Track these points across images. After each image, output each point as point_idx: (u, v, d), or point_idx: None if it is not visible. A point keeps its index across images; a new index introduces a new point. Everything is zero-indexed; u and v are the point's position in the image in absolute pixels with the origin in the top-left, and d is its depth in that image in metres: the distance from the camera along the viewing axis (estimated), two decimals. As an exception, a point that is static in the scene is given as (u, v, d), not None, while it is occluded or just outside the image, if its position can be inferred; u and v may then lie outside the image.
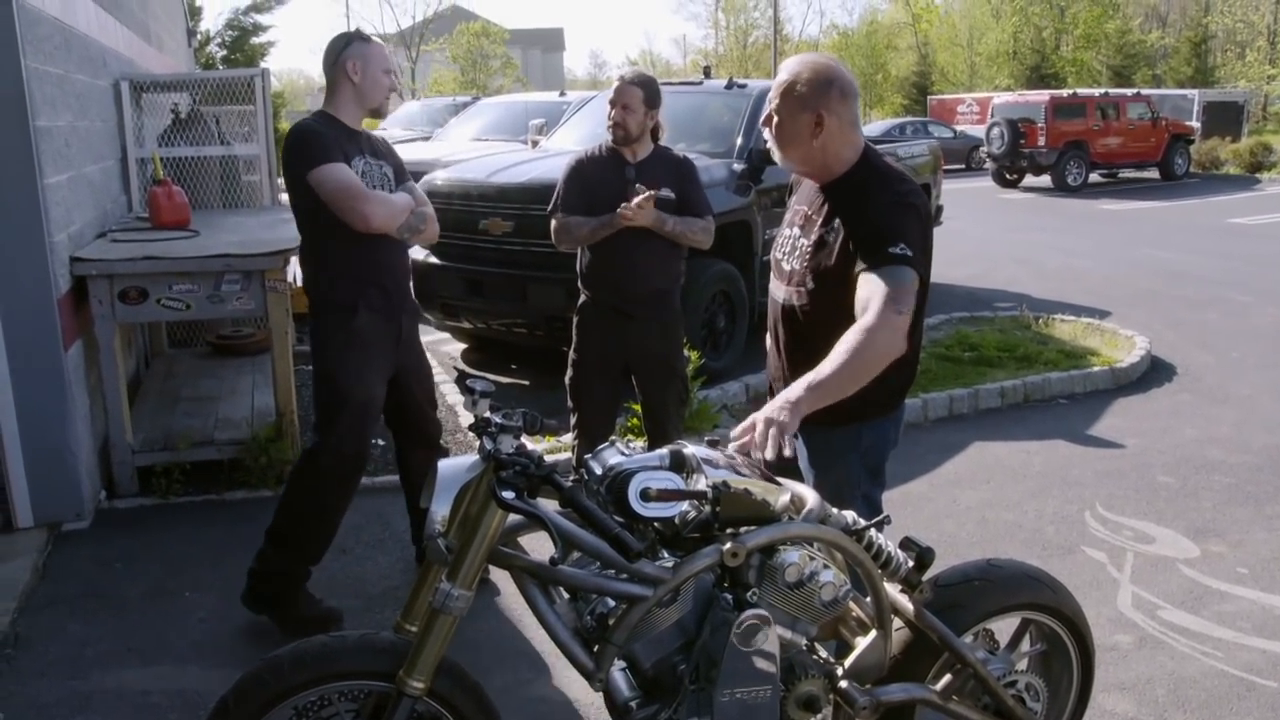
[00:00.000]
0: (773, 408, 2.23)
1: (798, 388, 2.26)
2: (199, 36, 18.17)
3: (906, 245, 2.38)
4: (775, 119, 2.56)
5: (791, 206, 2.76)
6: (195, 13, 17.18)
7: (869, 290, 2.36)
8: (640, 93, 3.90)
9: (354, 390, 3.44)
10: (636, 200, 3.77)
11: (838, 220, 2.50)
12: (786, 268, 2.65)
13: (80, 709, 3.08)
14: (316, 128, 3.39)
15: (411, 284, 3.72)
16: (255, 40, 21.92)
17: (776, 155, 2.63)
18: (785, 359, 2.69)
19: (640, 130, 3.95)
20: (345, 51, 3.41)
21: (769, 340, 2.80)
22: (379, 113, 3.55)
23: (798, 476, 2.57)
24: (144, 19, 7.76)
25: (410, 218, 3.45)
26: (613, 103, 3.93)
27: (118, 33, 6.26)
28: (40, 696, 3.14)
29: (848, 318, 2.38)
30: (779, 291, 2.68)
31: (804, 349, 2.54)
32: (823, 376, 2.27)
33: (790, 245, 2.66)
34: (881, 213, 2.45)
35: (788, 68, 2.58)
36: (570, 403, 4.15)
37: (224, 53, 21.21)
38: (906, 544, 2.27)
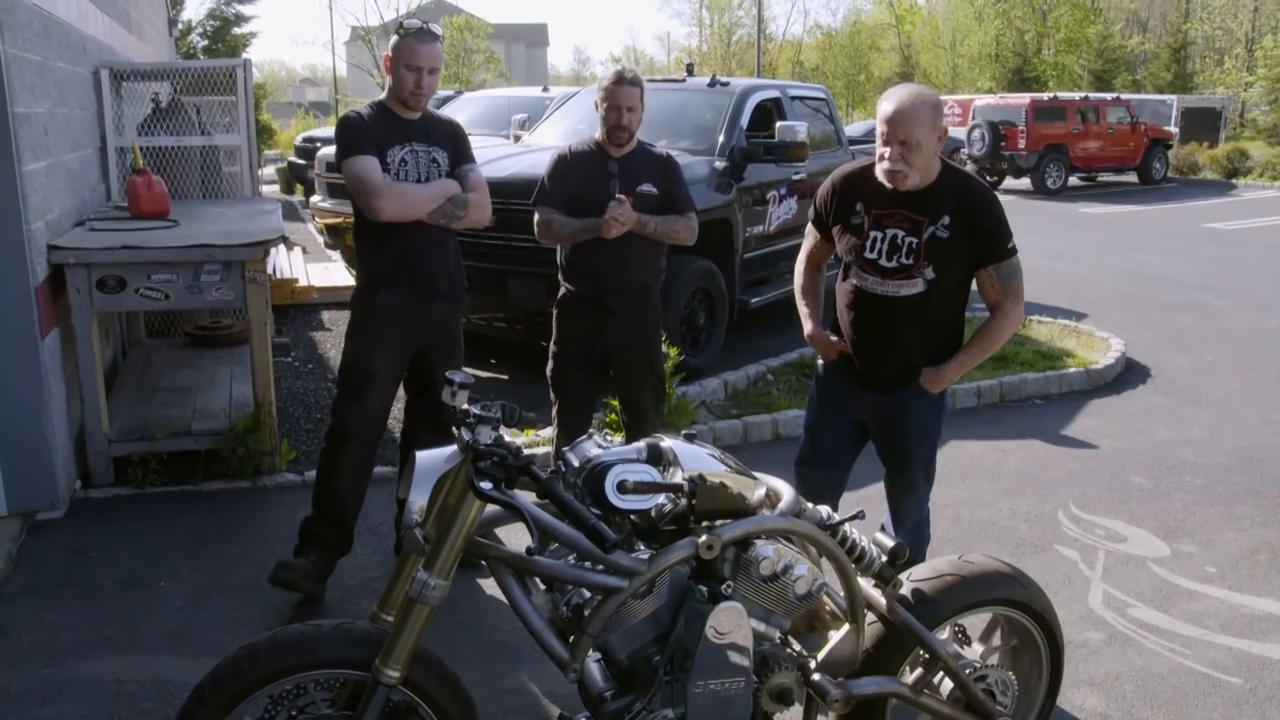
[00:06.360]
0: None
1: (949, 368, 3.05)
2: (180, 26, 18.03)
3: (1012, 238, 2.97)
4: (918, 144, 2.84)
5: (864, 212, 3.05)
6: (177, 2, 17.06)
7: (998, 288, 3.01)
8: (638, 91, 3.85)
9: (354, 360, 3.64)
10: (612, 213, 3.76)
11: (946, 218, 2.93)
12: (889, 265, 3.00)
13: (54, 698, 3.07)
14: (354, 120, 3.59)
15: (459, 268, 3.80)
16: (237, 30, 21.80)
17: (912, 179, 2.91)
18: (895, 339, 3.07)
19: (637, 128, 3.94)
20: (390, 45, 3.57)
21: (857, 330, 3.13)
22: (409, 105, 3.58)
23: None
24: (125, 7, 7.69)
25: (446, 205, 3.58)
26: (613, 106, 3.82)
27: (98, 20, 6.21)
28: (14, 685, 3.12)
29: (958, 293, 3.07)
30: (884, 287, 3.03)
31: (923, 327, 3.05)
32: (965, 361, 3.07)
33: (887, 245, 3.00)
34: (989, 213, 2.94)
35: (910, 96, 2.85)
36: (552, 394, 4.16)
37: (205, 43, 21.09)
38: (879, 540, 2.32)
